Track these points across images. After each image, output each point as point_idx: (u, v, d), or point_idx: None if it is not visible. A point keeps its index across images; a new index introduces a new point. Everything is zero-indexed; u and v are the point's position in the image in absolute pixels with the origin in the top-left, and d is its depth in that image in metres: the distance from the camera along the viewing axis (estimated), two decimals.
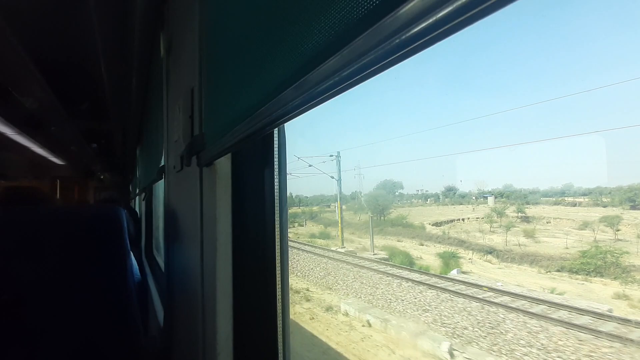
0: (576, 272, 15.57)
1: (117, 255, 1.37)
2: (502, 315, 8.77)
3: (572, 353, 7.11)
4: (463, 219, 29.12)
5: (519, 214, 27.13)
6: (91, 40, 2.17)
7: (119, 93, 3.04)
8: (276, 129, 0.81)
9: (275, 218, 0.84)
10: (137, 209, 4.87)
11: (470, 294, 10.06)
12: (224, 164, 0.85)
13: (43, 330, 1.24)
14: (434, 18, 0.24)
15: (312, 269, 14.97)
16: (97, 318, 1.32)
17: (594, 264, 15.60)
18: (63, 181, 7.05)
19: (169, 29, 1.58)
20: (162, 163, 1.88)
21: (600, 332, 7.55)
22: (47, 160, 5.62)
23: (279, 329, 0.87)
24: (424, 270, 13.76)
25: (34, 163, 5.75)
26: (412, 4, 0.25)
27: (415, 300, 10.33)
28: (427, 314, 9.44)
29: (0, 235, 1.25)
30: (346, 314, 9.90)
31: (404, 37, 0.26)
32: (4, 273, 1.23)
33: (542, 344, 7.48)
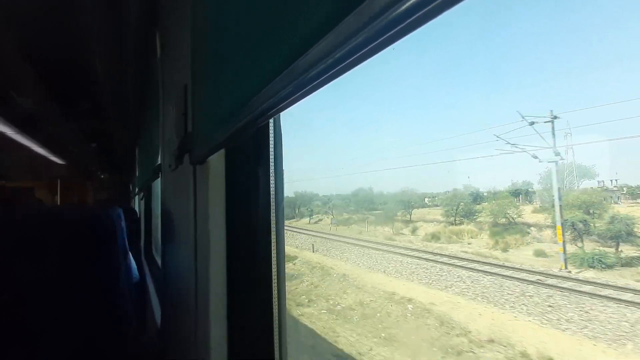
0: None
1: (113, 256, 1.34)
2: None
3: None
4: None
5: None
6: (87, 39, 2.15)
7: (116, 92, 3.01)
8: (271, 122, 0.79)
9: (271, 215, 0.81)
10: (136, 208, 4.85)
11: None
12: (217, 161, 0.82)
13: (41, 330, 1.22)
14: None
15: None
16: (94, 318, 1.30)
17: None
18: (62, 181, 7.01)
19: (164, 27, 1.55)
20: (159, 162, 1.86)
21: None
22: (47, 160, 5.59)
23: (275, 329, 0.84)
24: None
25: (33, 163, 5.72)
26: None
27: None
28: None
29: None
30: None
31: (393, 14, 0.24)
32: (2, 273, 1.21)
33: None
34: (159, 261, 2.74)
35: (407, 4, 0.23)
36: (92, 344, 1.29)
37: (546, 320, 8.48)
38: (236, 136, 0.59)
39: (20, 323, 1.21)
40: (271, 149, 0.80)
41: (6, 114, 3.45)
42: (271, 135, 0.80)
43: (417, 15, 0.23)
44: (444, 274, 11.97)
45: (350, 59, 0.30)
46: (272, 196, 0.84)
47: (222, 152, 0.81)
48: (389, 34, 0.25)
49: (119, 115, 3.66)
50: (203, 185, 0.85)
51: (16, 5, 1.94)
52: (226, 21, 0.64)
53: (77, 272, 1.30)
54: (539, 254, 13.87)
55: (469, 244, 17.04)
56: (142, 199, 3.83)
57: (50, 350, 1.23)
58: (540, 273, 10.98)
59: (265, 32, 0.45)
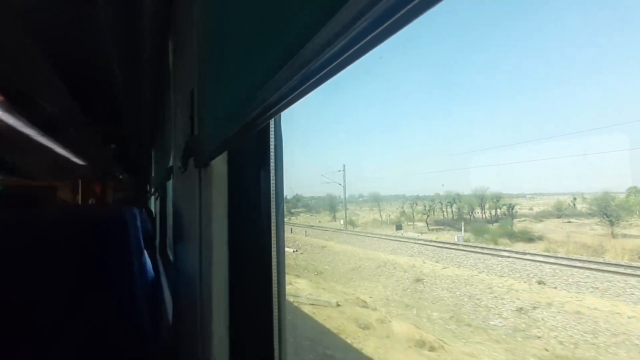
0: None
1: (128, 255, 1.32)
2: None
3: None
4: None
5: None
6: (105, 46, 2.16)
7: (134, 96, 3.04)
8: (272, 125, 0.76)
9: (271, 217, 0.80)
10: (152, 208, 4.86)
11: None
12: (219, 164, 0.80)
13: (53, 330, 1.20)
14: None
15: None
16: (106, 318, 1.27)
17: None
18: (83, 182, 7.11)
19: (176, 33, 1.54)
20: (171, 163, 1.84)
21: None
22: (68, 161, 5.67)
23: (275, 329, 0.83)
24: None
25: (55, 164, 5.81)
26: None
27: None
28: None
29: (13, 237, 1.22)
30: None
31: None
32: (15, 275, 1.19)
33: None
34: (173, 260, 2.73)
35: None
36: (105, 343, 1.26)
37: None
38: (237, 137, 0.56)
39: (34, 321, 1.19)
40: (271, 152, 0.78)
41: (32, 117, 3.50)
42: (272, 138, 0.77)
43: None
44: None
45: (362, 43, 0.26)
46: (273, 198, 0.82)
47: (225, 155, 0.80)
48: (399, 14, 0.21)
49: (136, 118, 3.70)
50: (207, 188, 0.83)
51: (39, 17, 1.96)
52: (228, 24, 0.62)
53: (92, 272, 1.28)
54: None
55: None
56: (157, 199, 3.84)
57: (64, 348, 1.21)
58: None
59: (265, 29, 0.42)
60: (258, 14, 0.45)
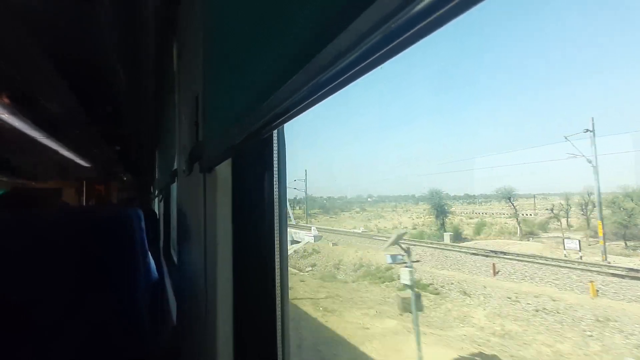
0: None
1: (132, 256, 1.33)
2: None
3: None
4: None
5: None
6: (106, 46, 2.17)
7: (137, 98, 3.05)
8: (275, 132, 0.76)
9: (275, 221, 0.82)
10: (156, 210, 4.88)
11: None
12: (224, 169, 0.82)
13: (53, 330, 1.21)
14: None
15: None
16: (108, 319, 1.28)
17: None
18: (86, 182, 7.14)
19: (181, 37, 1.54)
20: (176, 166, 1.84)
21: None
22: (71, 162, 5.70)
23: (278, 329, 0.84)
24: None
25: (58, 166, 5.85)
26: None
27: None
28: None
29: (14, 237, 1.23)
30: None
31: (418, 7, 0.19)
32: (17, 275, 1.20)
33: None
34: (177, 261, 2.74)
35: None
36: (109, 344, 1.27)
37: None
38: (242, 145, 0.56)
39: (39, 322, 1.20)
40: (275, 157, 0.78)
41: (35, 118, 3.52)
42: (275, 143, 0.77)
43: (450, 5, 0.18)
44: None
45: (372, 58, 0.25)
46: (276, 202, 0.83)
47: (229, 160, 0.80)
48: (414, 30, 0.20)
49: (139, 119, 3.70)
50: (211, 192, 0.84)
51: (42, 18, 1.96)
52: (235, 28, 0.62)
53: (96, 273, 1.29)
54: None
55: None
56: (161, 201, 3.85)
57: (66, 350, 1.21)
58: None
59: (271, 40, 0.41)
60: (267, 17, 0.43)
